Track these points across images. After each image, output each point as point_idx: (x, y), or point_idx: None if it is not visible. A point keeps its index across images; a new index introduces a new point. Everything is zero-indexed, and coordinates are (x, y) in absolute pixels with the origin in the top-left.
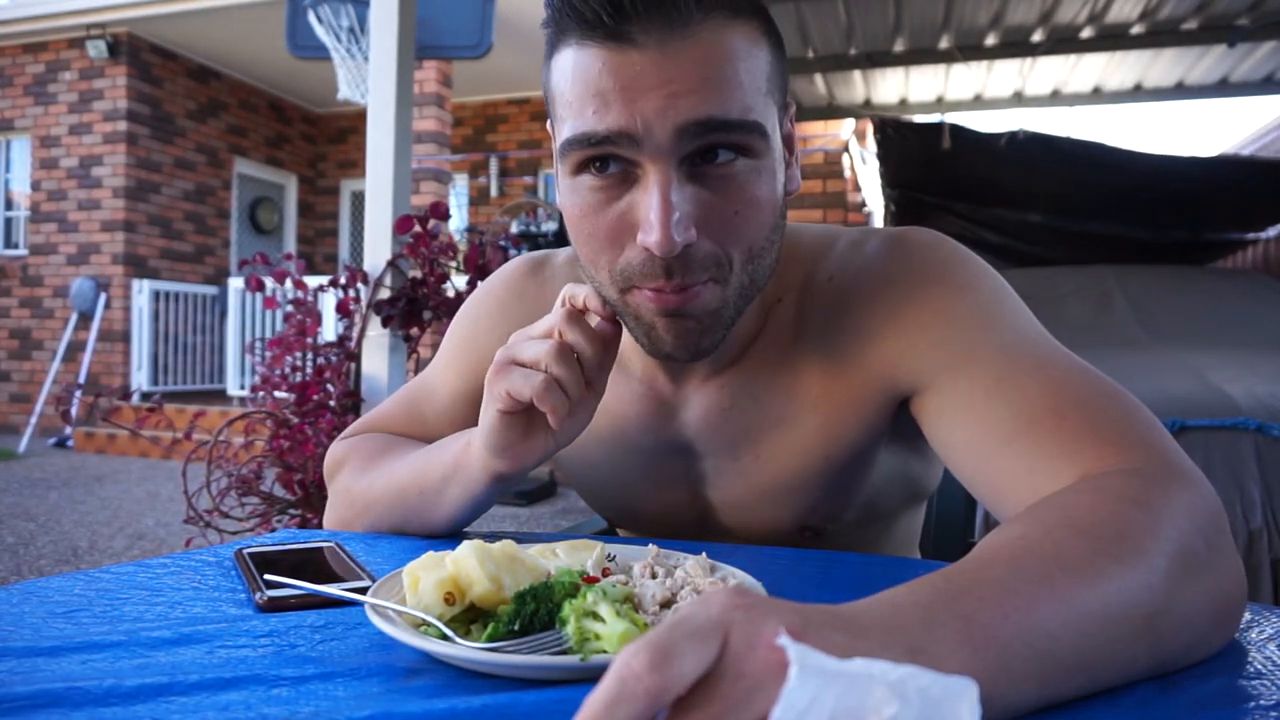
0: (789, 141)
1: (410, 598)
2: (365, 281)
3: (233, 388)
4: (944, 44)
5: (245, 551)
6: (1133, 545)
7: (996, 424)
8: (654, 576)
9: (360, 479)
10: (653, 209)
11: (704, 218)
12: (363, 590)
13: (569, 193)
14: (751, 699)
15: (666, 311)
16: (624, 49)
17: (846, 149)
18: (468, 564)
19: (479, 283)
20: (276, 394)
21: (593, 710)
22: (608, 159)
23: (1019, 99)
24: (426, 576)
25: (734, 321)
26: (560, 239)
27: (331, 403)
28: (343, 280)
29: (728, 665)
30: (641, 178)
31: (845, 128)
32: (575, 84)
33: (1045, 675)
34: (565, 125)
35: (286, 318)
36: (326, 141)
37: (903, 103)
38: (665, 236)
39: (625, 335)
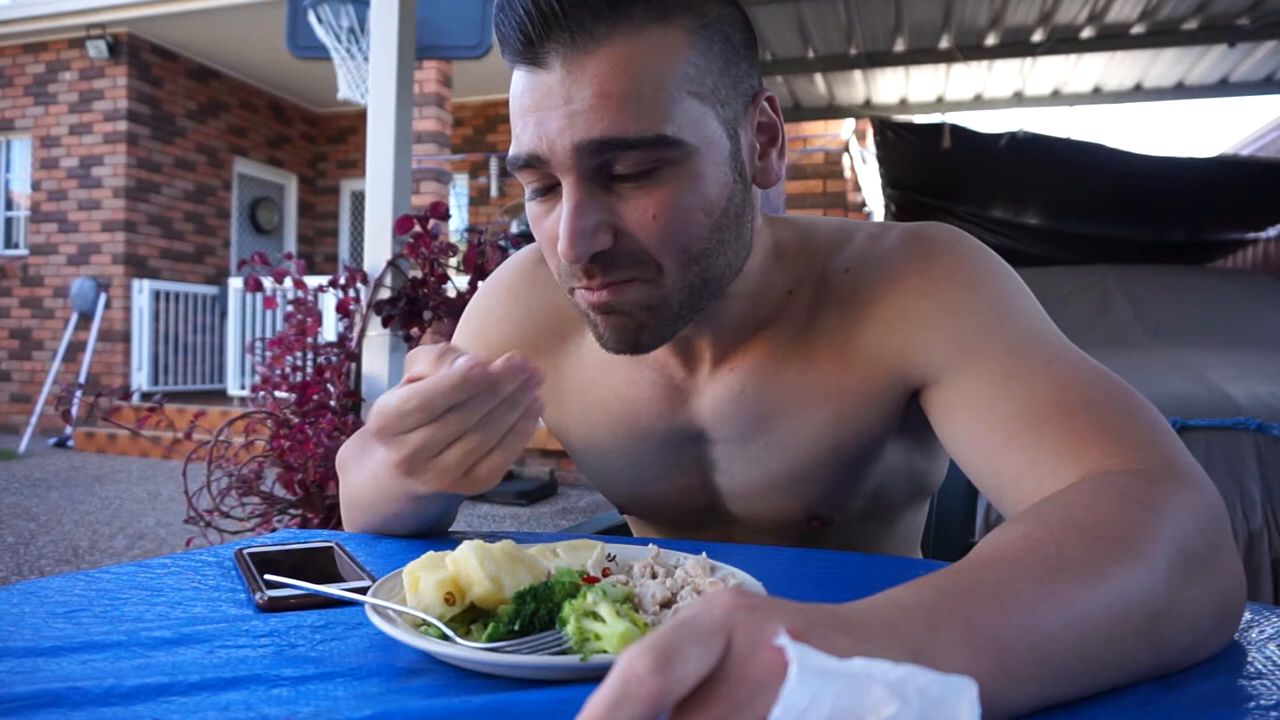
0: (768, 130)
1: (410, 598)
2: (365, 281)
3: (233, 388)
4: (944, 44)
5: (245, 551)
6: (1134, 546)
7: (1004, 419)
8: (654, 576)
9: (345, 478)
10: (561, 222)
11: (620, 226)
12: (363, 590)
13: (527, 206)
14: (754, 701)
15: (596, 307)
16: (537, 72)
17: (846, 149)
18: (468, 564)
19: (479, 283)
20: (277, 394)
21: (595, 712)
22: (537, 178)
23: (1019, 99)
24: (426, 576)
25: (684, 319)
26: None
27: (332, 403)
28: (343, 280)
29: (731, 667)
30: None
31: (845, 128)
32: (511, 105)
33: (1047, 676)
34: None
35: (287, 318)
36: (326, 141)
37: (903, 103)
38: (569, 247)
39: None
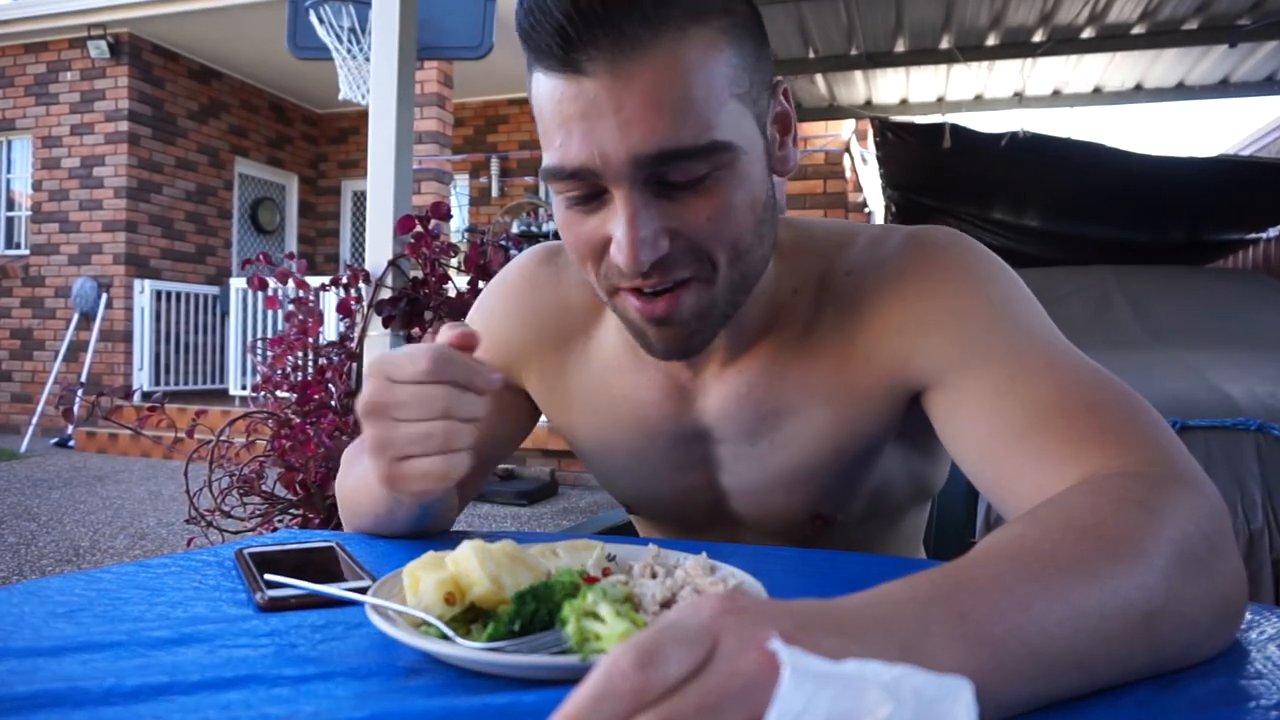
0: (783, 120)
1: (410, 598)
2: (367, 281)
3: (234, 387)
4: (945, 44)
5: (246, 551)
6: (1132, 545)
7: (1005, 422)
8: (654, 576)
9: (340, 479)
10: (619, 231)
11: (676, 229)
12: (363, 590)
13: (555, 204)
14: (746, 696)
15: (653, 320)
16: (577, 78)
17: (847, 149)
18: (468, 564)
19: (480, 283)
20: (278, 394)
21: (577, 704)
22: (579, 187)
23: (1019, 99)
24: (426, 576)
25: (726, 318)
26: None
27: (333, 402)
28: (344, 280)
29: (718, 666)
30: (612, 200)
31: (846, 128)
32: (544, 110)
33: (1040, 672)
34: (545, 152)
35: (288, 317)
36: (328, 142)
37: (903, 103)
38: (633, 256)
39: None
